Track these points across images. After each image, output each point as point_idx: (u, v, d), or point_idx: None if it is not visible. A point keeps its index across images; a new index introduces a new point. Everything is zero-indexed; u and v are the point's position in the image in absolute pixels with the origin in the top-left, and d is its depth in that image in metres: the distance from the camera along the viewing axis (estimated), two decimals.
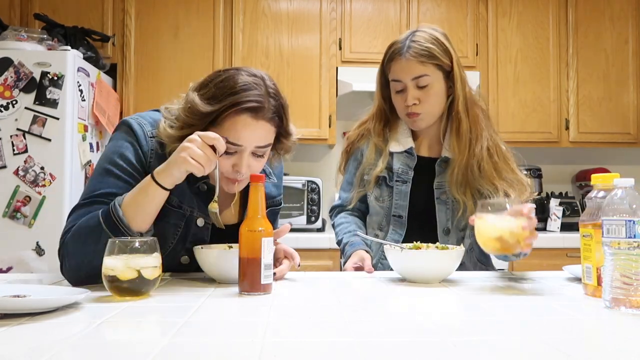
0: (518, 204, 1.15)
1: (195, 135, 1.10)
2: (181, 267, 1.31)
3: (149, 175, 1.12)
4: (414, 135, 1.62)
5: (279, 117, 1.21)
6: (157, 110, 1.30)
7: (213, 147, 1.11)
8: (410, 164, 1.58)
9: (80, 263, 1.12)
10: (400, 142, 1.60)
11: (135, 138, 1.22)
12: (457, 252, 1.25)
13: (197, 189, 1.27)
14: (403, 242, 1.53)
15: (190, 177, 1.19)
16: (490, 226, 1.14)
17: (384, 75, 1.59)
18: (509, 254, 1.21)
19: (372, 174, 1.59)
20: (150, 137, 1.23)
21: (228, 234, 1.29)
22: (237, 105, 1.13)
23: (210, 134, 1.11)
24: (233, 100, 1.13)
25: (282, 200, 1.48)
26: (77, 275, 1.14)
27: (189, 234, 1.26)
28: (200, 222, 1.27)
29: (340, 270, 1.81)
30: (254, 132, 1.16)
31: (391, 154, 1.59)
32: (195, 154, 1.08)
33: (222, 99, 1.14)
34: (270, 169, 1.42)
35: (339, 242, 1.68)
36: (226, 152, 1.16)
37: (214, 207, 1.17)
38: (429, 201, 1.57)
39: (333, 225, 1.75)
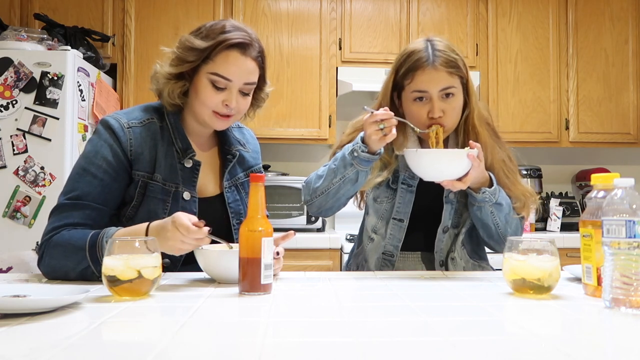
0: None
1: (185, 231, 1.12)
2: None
3: (146, 226, 1.18)
4: (422, 144, 1.53)
5: (262, 59, 1.35)
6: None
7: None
8: None
9: (57, 270, 1.23)
10: (408, 147, 1.47)
11: (113, 133, 1.30)
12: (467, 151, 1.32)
13: (182, 165, 1.35)
14: (403, 243, 1.52)
15: (175, 154, 1.33)
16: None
17: (396, 85, 1.48)
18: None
19: (372, 182, 1.50)
20: (128, 128, 1.32)
21: (212, 206, 1.40)
22: (228, 41, 1.28)
23: (197, 231, 1.13)
24: (224, 37, 1.28)
25: (262, 169, 1.58)
26: (51, 276, 1.25)
27: (177, 208, 1.32)
28: (186, 195, 1.34)
29: (340, 269, 1.81)
30: (242, 67, 1.30)
31: (396, 156, 1.51)
32: (183, 248, 1.16)
33: (214, 37, 1.28)
34: (244, 141, 1.52)
35: (337, 160, 1.47)
36: (217, 87, 1.29)
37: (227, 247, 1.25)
38: (435, 201, 1.51)
39: (311, 182, 1.61)
